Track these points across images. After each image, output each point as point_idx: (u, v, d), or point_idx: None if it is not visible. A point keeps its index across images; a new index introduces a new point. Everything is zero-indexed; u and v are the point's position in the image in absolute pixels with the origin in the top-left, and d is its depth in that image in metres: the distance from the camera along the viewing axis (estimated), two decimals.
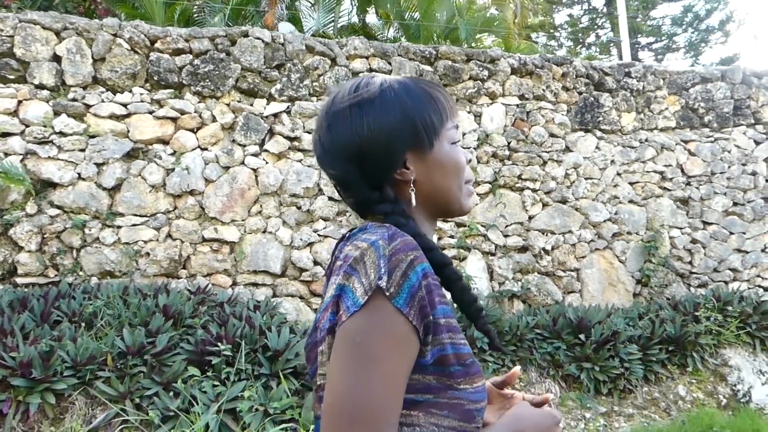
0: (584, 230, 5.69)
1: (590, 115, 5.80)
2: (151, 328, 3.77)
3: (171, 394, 3.45)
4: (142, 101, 4.64)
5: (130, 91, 4.63)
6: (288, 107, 4.96)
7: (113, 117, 4.57)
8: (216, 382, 3.56)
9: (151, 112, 4.65)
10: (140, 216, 4.57)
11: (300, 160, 4.97)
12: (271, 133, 4.93)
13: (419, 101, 0.89)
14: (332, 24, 10.01)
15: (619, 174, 5.90)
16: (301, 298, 4.88)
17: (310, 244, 4.92)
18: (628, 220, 5.83)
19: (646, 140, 5.98)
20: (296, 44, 5.01)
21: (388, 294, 0.72)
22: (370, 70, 5.20)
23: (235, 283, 4.76)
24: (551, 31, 18.20)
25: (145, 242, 4.56)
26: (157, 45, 4.71)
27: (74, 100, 4.49)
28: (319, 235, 4.94)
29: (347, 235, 0.89)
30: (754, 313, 5.08)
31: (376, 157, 0.86)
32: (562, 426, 0.89)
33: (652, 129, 6.05)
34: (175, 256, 4.60)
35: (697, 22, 16.82)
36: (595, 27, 17.86)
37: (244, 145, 4.84)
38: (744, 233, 6.11)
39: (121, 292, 4.10)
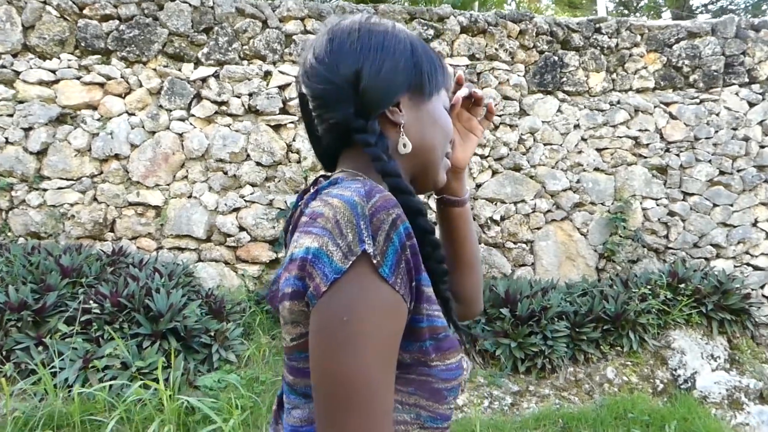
0: (540, 200, 5.32)
1: (551, 76, 5.37)
2: (42, 286, 3.89)
3: (40, 348, 3.55)
4: (69, 67, 4.74)
5: (59, 58, 4.74)
6: (216, 71, 4.91)
7: (42, 83, 4.70)
8: (88, 340, 3.63)
9: (78, 78, 4.75)
10: (66, 179, 4.71)
11: (228, 125, 4.93)
12: (199, 97, 4.91)
13: (428, 52, 0.86)
14: None
15: (584, 139, 5.45)
16: (225, 263, 4.88)
17: (236, 210, 4.90)
18: (592, 190, 5.39)
19: (618, 102, 5.47)
20: (226, 7, 4.93)
21: (375, 262, 0.66)
22: (305, 31, 5.05)
23: (160, 247, 4.83)
24: None
25: (71, 205, 4.70)
26: (86, 11, 4.78)
27: (3, 66, 4.65)
28: (245, 200, 4.90)
29: (312, 188, 0.82)
30: (714, 293, 4.57)
31: (374, 83, 0.79)
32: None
33: (626, 90, 5.52)
34: (100, 219, 4.71)
35: None
36: None
37: (170, 110, 4.85)
38: (731, 205, 5.49)
39: (29, 252, 4.25)
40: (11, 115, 4.64)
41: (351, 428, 0.64)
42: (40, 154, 4.68)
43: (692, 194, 5.50)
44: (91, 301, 3.69)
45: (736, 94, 5.54)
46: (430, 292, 0.75)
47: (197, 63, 4.91)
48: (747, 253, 5.49)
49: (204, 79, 4.90)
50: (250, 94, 4.93)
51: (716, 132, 5.51)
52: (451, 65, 5.22)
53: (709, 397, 4.18)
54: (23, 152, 4.64)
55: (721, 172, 5.50)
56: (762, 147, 5.51)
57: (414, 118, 0.83)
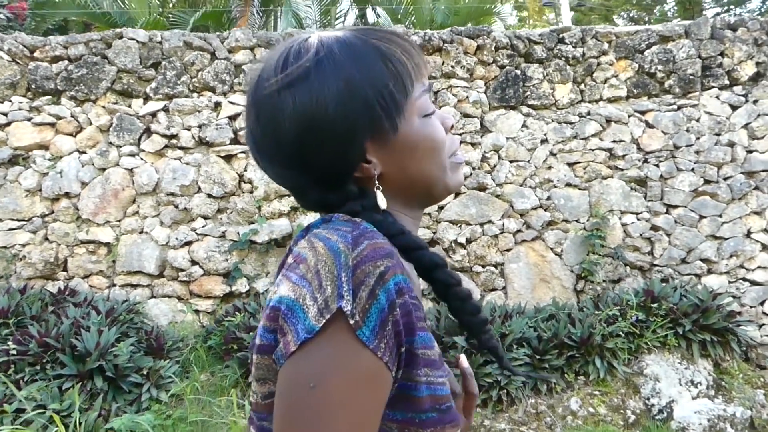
0: (508, 219, 5.03)
1: (512, 90, 5.14)
2: None
3: None
4: (20, 109, 4.79)
5: (10, 101, 4.80)
6: (165, 105, 4.88)
7: None
8: (9, 383, 3.52)
9: (29, 119, 4.79)
10: (17, 220, 4.70)
11: (179, 158, 4.87)
12: (149, 132, 4.87)
13: (370, 69, 0.67)
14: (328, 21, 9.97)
15: (553, 154, 5.16)
16: (179, 298, 4.76)
17: (188, 243, 4.79)
18: (565, 206, 5.08)
19: (588, 114, 5.18)
20: (173, 41, 4.93)
21: (352, 323, 0.57)
22: (255, 60, 4.99)
23: (112, 285, 4.74)
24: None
25: (23, 245, 4.68)
26: (36, 54, 4.85)
27: None
28: (197, 233, 4.80)
29: (308, 225, 0.71)
30: (693, 312, 4.17)
31: (323, 154, 0.66)
32: None
33: (596, 100, 5.24)
34: (51, 258, 4.67)
35: None
36: None
37: (119, 146, 4.83)
38: (719, 216, 5.08)
39: None
40: None
41: None
42: None
43: (676, 206, 5.11)
44: (9, 343, 3.58)
45: (717, 97, 5.19)
46: (433, 354, 0.64)
47: (146, 98, 4.90)
48: (741, 266, 5.04)
49: (153, 114, 4.88)
50: (200, 126, 4.87)
51: (698, 139, 5.15)
52: None
53: (688, 429, 3.76)
54: None
55: (706, 181, 5.11)
56: (749, 152, 5.11)
57: (389, 157, 0.70)
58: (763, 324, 4.93)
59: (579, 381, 4.02)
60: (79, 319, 3.94)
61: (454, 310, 0.71)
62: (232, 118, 4.94)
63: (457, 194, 5.05)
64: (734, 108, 5.15)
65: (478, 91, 5.13)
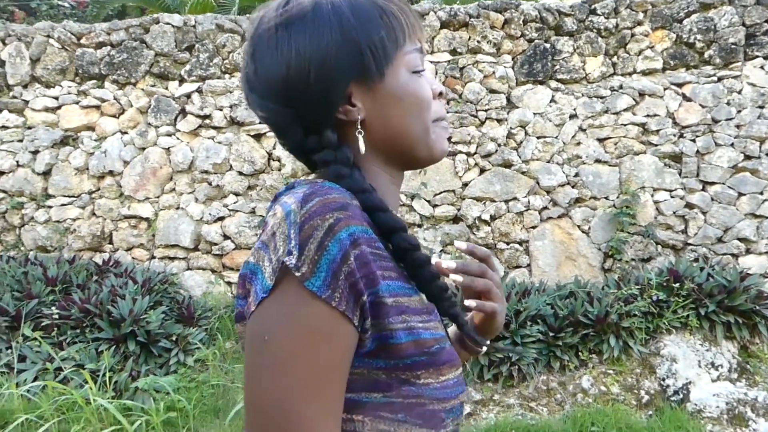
0: (534, 197, 4.99)
1: (541, 65, 5.04)
2: (25, 294, 4.22)
3: (9, 351, 3.85)
4: (69, 93, 5.14)
5: (60, 85, 5.17)
6: (199, 87, 5.12)
7: (46, 109, 5.14)
8: (54, 344, 3.89)
9: (77, 103, 5.14)
10: (68, 197, 5.09)
11: (212, 137, 5.11)
12: (184, 112, 5.13)
13: (365, 17, 0.71)
14: None
15: (582, 129, 5.05)
16: (212, 271, 5.04)
17: (220, 219, 5.04)
18: (593, 183, 4.97)
19: (620, 87, 5.02)
20: (206, 25, 5.13)
21: (299, 275, 0.58)
22: None
23: (152, 257, 5.08)
24: None
25: (73, 220, 5.08)
26: (83, 41, 5.18)
27: (14, 97, 5.14)
28: (229, 209, 5.04)
29: (276, 195, 0.74)
30: (718, 293, 4.03)
31: (309, 91, 0.69)
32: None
33: (629, 73, 5.06)
34: (98, 232, 5.04)
35: None
36: None
37: (157, 127, 5.11)
38: (760, 194, 4.83)
39: (24, 263, 4.64)
40: (21, 140, 5.11)
41: None
42: (46, 174, 5.11)
43: (713, 183, 4.90)
44: (53, 308, 3.94)
45: (762, 67, 4.89)
46: (410, 302, 0.66)
47: (182, 80, 5.14)
48: None
49: (188, 95, 5.12)
50: (231, 106, 5.08)
51: (739, 112, 4.89)
52: (431, 62, 5.07)
53: (705, 411, 3.68)
54: (31, 173, 5.09)
55: (747, 157, 4.86)
56: None
57: (372, 105, 0.72)
58: None
59: (594, 360, 4.00)
60: (116, 288, 4.26)
61: (413, 275, 0.70)
62: None
63: (482, 170, 5.04)
64: None
65: (505, 66, 5.07)
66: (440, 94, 0.78)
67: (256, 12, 0.74)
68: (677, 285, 4.06)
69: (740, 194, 4.86)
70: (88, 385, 3.31)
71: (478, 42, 5.05)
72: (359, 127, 0.71)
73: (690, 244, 4.91)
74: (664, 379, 3.83)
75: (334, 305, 0.59)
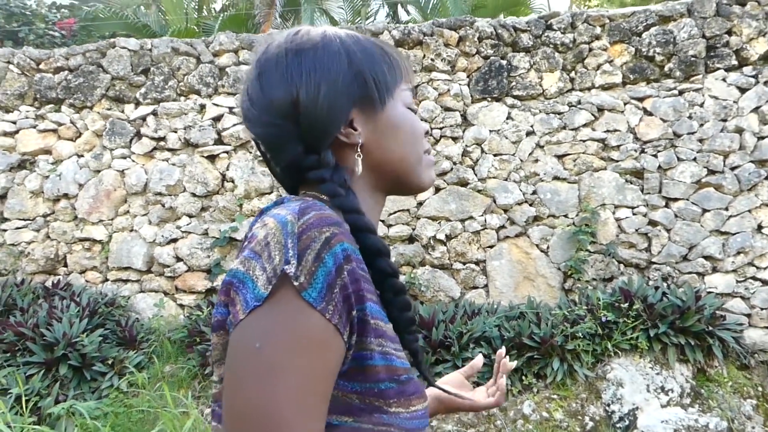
0: (491, 215, 4.86)
1: (496, 81, 4.95)
2: None
3: None
4: (27, 117, 5.19)
5: (19, 110, 5.21)
6: (154, 109, 5.12)
7: (4, 134, 5.18)
8: None
9: (35, 127, 5.18)
10: (23, 220, 5.10)
11: (167, 159, 5.09)
12: (139, 135, 5.13)
13: (369, 52, 0.77)
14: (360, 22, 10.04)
15: (540, 146, 4.92)
16: (165, 293, 4.97)
17: (173, 240, 5.00)
18: (551, 201, 4.83)
19: (578, 103, 4.90)
20: (162, 48, 5.16)
21: (297, 284, 0.59)
22: (238, 63, 5.13)
23: (106, 279, 5.03)
24: None
25: (28, 243, 5.07)
26: (42, 66, 5.24)
27: None
28: (182, 231, 5.00)
29: (262, 210, 0.75)
30: (671, 314, 3.84)
31: (317, 111, 0.72)
32: None
33: (587, 89, 4.95)
34: (52, 255, 5.02)
35: None
36: None
37: (112, 149, 5.12)
38: (725, 209, 4.64)
39: None
40: None
41: None
42: (2, 197, 5.13)
43: (676, 199, 4.73)
44: None
45: (723, 79, 4.74)
46: (386, 328, 0.67)
47: (137, 103, 5.16)
48: (751, 264, 4.58)
49: (143, 118, 5.13)
50: (186, 128, 5.06)
51: (701, 125, 4.73)
52: None
53: None
54: None
55: (710, 171, 4.68)
56: (760, 138, 4.63)
57: (372, 131, 0.76)
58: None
59: (538, 384, 3.82)
60: (55, 311, 4.21)
61: (386, 301, 0.71)
62: (216, 119, 5.10)
63: (437, 189, 4.94)
64: (743, 90, 4.69)
65: (459, 84, 4.99)
66: (426, 132, 0.85)
67: (257, 45, 0.80)
68: (626, 305, 3.87)
69: (704, 210, 4.67)
70: (16, 410, 3.24)
71: (432, 60, 4.99)
72: (359, 150, 0.75)
73: (654, 263, 4.71)
74: (609, 405, 3.63)
75: (328, 317, 0.59)
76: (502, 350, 0.95)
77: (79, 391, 3.87)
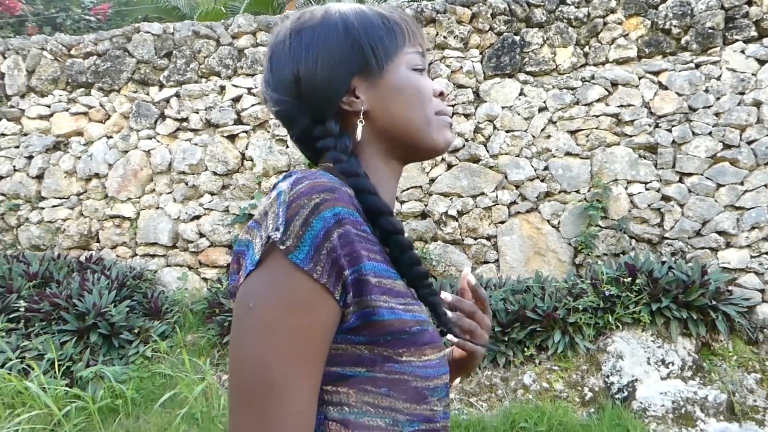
0: (502, 191, 4.92)
1: (508, 57, 4.96)
2: (5, 289, 4.53)
3: None
4: (60, 101, 5.48)
5: (52, 94, 5.51)
6: (177, 91, 5.33)
7: (40, 117, 5.49)
8: (23, 334, 4.17)
9: (67, 110, 5.47)
10: (58, 198, 5.42)
11: (189, 140, 5.31)
12: (163, 116, 5.36)
13: (368, 21, 0.79)
14: None
15: (552, 122, 4.93)
16: (189, 267, 5.23)
17: (196, 217, 5.24)
18: (563, 177, 4.85)
19: (592, 78, 4.88)
20: (183, 32, 5.35)
21: (283, 248, 0.63)
22: (256, 44, 5.28)
23: (135, 254, 5.33)
24: None
25: (63, 220, 5.40)
26: (72, 51, 5.50)
27: (12, 107, 5.52)
28: (204, 208, 5.23)
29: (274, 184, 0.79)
30: (675, 288, 3.86)
31: (316, 83, 0.76)
32: None
33: (601, 63, 4.91)
34: (85, 231, 5.34)
35: None
36: None
37: (138, 130, 5.37)
38: (740, 184, 4.58)
39: (8, 261, 4.97)
40: (17, 147, 5.48)
41: (242, 426, 0.62)
42: (39, 177, 5.46)
43: (690, 174, 4.68)
44: (21, 301, 4.22)
45: (742, 51, 4.63)
46: (393, 285, 0.70)
47: (161, 86, 5.38)
48: (766, 240, 4.51)
49: (167, 100, 5.35)
50: (207, 109, 5.26)
51: (717, 99, 4.65)
52: None
53: (650, 410, 3.55)
54: (26, 177, 5.45)
55: (726, 146, 4.61)
56: None
57: (375, 97, 0.78)
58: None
59: (541, 356, 3.92)
60: (87, 283, 4.51)
61: (394, 259, 0.73)
62: (235, 100, 5.27)
63: (449, 166, 5.01)
64: (762, 63, 4.58)
65: (472, 61, 5.03)
66: (441, 93, 0.85)
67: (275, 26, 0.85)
68: (630, 279, 3.91)
69: (719, 185, 4.62)
70: (35, 373, 3.53)
71: (445, 38, 5.03)
72: (361, 116, 0.77)
73: (666, 238, 4.70)
74: (608, 376, 3.71)
75: (316, 277, 0.62)
76: (467, 270, 0.90)
77: (108, 358, 4.16)
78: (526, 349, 3.92)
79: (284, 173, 0.76)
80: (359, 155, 0.78)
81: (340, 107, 0.77)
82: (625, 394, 3.64)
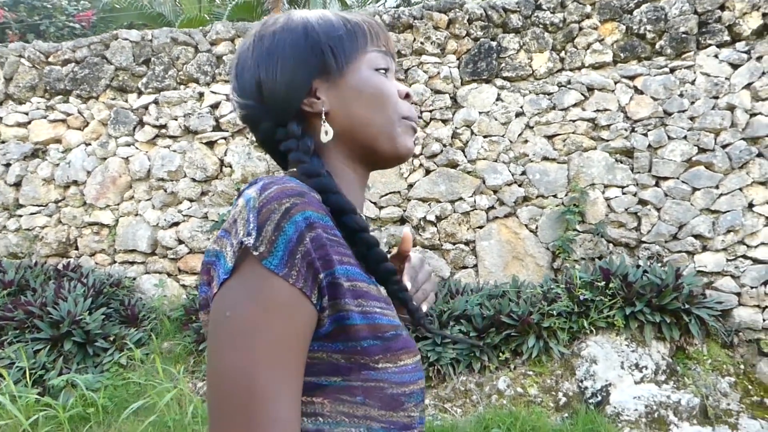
0: (480, 196, 4.93)
1: (485, 63, 4.98)
2: None
3: None
4: (38, 109, 5.46)
5: (30, 101, 5.49)
6: (155, 98, 5.33)
7: (18, 124, 5.47)
8: None
9: (45, 117, 5.45)
10: (36, 206, 5.39)
11: (168, 146, 5.30)
12: (141, 123, 5.35)
13: (329, 24, 0.79)
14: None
15: (530, 127, 4.95)
16: (168, 274, 5.21)
17: (175, 224, 5.22)
18: (540, 181, 4.87)
19: (568, 83, 4.90)
20: (162, 38, 5.35)
21: (257, 254, 0.62)
22: (234, 51, 5.27)
23: (114, 261, 5.30)
24: None
25: (41, 228, 5.37)
26: (51, 59, 5.49)
27: None
28: (183, 215, 5.21)
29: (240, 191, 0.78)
30: (649, 292, 3.87)
31: (276, 85, 0.77)
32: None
33: (577, 68, 4.94)
34: (63, 239, 5.31)
35: None
36: None
37: (117, 137, 5.35)
38: (715, 187, 4.60)
39: None
40: None
41: None
42: (17, 185, 5.43)
43: (666, 178, 4.71)
44: (10, 310, 4.19)
45: (715, 56, 4.67)
46: (367, 288, 0.69)
47: (139, 93, 5.37)
48: (742, 243, 4.54)
49: (146, 107, 5.34)
50: (185, 116, 5.26)
51: (692, 103, 4.68)
52: None
53: (623, 414, 3.55)
54: (3, 184, 5.42)
55: (701, 150, 4.64)
56: (752, 115, 4.55)
57: (336, 98, 0.78)
58: (767, 307, 4.43)
59: (516, 361, 3.92)
60: (62, 291, 4.48)
61: (360, 256, 0.73)
62: (214, 106, 5.27)
63: (427, 171, 5.02)
64: (735, 67, 4.61)
65: (449, 66, 5.04)
66: (407, 95, 0.83)
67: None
68: (604, 284, 3.92)
69: (694, 189, 4.65)
70: (5, 383, 3.50)
71: (422, 43, 5.05)
72: (323, 117, 0.76)
73: (644, 242, 4.72)
74: (582, 381, 3.71)
75: (292, 282, 0.62)
76: (407, 231, 0.91)
77: (82, 366, 4.14)
78: (501, 353, 3.92)
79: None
80: (323, 158, 0.77)
81: (301, 109, 0.77)
82: (599, 398, 3.64)
